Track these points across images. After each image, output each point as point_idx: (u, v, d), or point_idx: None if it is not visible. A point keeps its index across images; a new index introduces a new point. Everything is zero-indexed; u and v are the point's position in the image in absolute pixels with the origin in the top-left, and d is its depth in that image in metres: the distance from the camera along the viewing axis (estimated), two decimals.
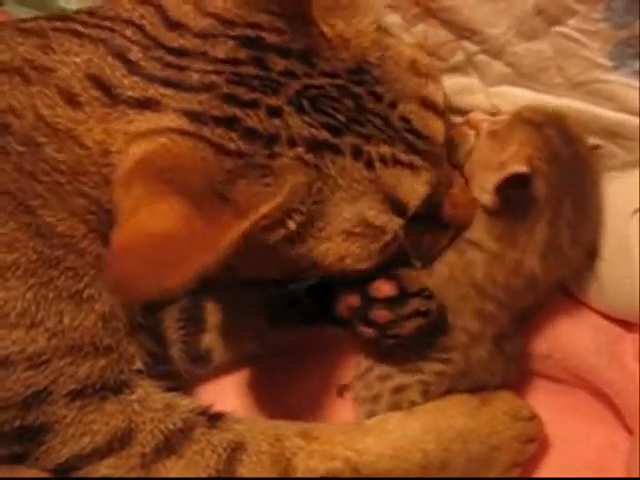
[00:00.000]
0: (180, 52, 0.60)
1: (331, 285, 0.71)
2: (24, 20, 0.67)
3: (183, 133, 0.57)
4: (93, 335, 0.64)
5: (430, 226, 0.70)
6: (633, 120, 0.75)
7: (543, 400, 0.79)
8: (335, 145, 0.61)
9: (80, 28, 0.62)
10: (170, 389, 0.69)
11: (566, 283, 0.79)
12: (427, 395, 0.72)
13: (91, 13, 0.64)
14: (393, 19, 0.78)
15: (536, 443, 0.75)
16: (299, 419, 0.73)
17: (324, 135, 0.60)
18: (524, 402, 0.75)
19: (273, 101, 0.60)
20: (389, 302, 0.68)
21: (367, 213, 0.62)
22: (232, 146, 0.58)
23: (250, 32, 0.61)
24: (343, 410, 0.78)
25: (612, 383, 0.76)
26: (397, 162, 0.63)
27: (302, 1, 0.62)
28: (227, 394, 0.78)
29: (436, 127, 0.65)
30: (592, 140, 0.77)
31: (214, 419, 0.67)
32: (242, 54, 0.60)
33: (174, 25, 0.61)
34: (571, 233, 0.72)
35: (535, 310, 0.77)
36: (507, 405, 0.73)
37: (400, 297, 0.68)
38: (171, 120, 0.58)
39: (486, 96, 0.79)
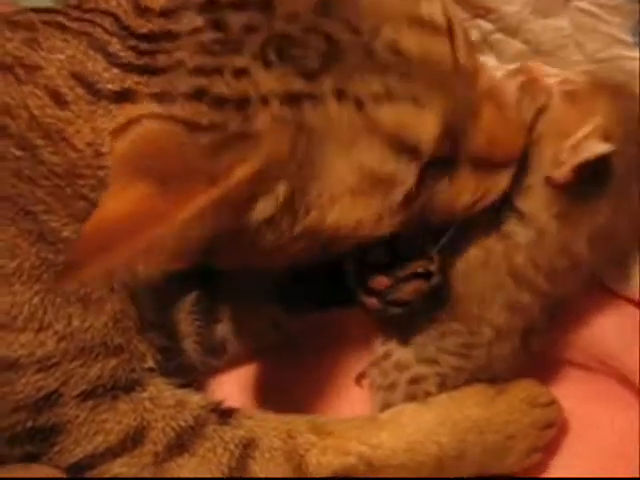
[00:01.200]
0: (149, 37, 0.57)
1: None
2: (17, 12, 0.66)
3: (153, 117, 0.55)
4: (104, 335, 0.63)
5: (466, 168, 0.61)
6: None
7: (566, 387, 0.78)
8: (312, 92, 0.54)
9: (65, 21, 0.60)
10: (182, 385, 0.68)
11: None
12: (443, 387, 0.71)
13: (77, 5, 0.62)
14: None
15: (555, 428, 0.73)
16: (310, 412, 0.73)
17: (298, 84, 0.54)
18: (542, 388, 0.73)
19: (237, 61, 0.55)
20: (386, 267, 0.66)
21: (369, 161, 0.55)
22: (203, 120, 0.54)
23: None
24: (356, 402, 0.77)
25: (637, 370, 0.74)
26: (392, 97, 0.54)
27: None
28: (237, 388, 0.78)
29: (437, 48, 0.56)
30: None
31: (225, 415, 0.67)
32: (200, 21, 0.56)
33: (142, 10, 0.58)
34: (630, 221, 0.69)
35: (568, 303, 0.74)
36: (524, 392, 0.72)
37: (396, 261, 0.66)
38: (143, 107, 0.56)
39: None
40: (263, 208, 0.55)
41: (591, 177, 0.65)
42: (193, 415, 0.65)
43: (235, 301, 0.77)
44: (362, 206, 0.57)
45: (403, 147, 0.56)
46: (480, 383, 0.72)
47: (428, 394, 0.70)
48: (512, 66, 0.72)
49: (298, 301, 0.77)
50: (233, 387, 0.77)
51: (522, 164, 0.66)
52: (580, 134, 0.63)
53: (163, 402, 0.65)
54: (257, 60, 0.54)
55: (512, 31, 0.73)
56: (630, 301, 0.77)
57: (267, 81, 0.54)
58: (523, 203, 0.68)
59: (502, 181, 0.64)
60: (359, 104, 0.54)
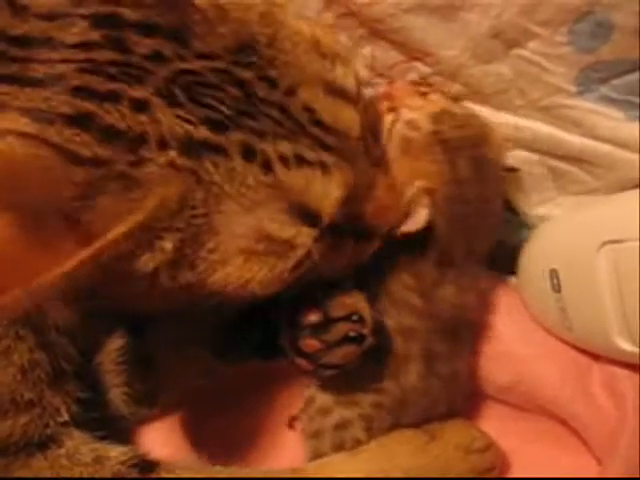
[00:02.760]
0: (24, 41, 0.49)
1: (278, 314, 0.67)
2: None
3: (22, 135, 0.46)
4: (13, 391, 0.60)
5: (350, 235, 0.60)
6: (600, 146, 0.69)
7: (508, 427, 0.77)
8: (218, 144, 0.49)
9: None
10: (103, 437, 0.65)
11: (532, 313, 0.75)
12: (371, 431, 0.69)
13: None
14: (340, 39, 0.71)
15: (496, 471, 0.73)
16: (244, 458, 0.73)
17: (203, 132, 0.49)
18: (478, 432, 0.72)
19: (138, 92, 0.48)
20: (316, 329, 0.64)
21: (269, 225, 0.51)
22: (85, 151, 0.47)
23: (104, 8, 0.49)
24: (291, 447, 0.75)
25: (578, 417, 0.74)
26: (302, 161, 0.51)
27: None
28: (168, 435, 0.75)
29: (348, 117, 0.54)
30: (559, 165, 0.72)
31: (147, 469, 0.64)
32: (96, 35, 0.48)
33: (19, 9, 0.50)
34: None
35: (470, 330, 0.73)
36: (459, 438, 0.70)
37: (326, 323, 0.64)
38: (11, 120, 0.47)
39: None
40: (145, 261, 0.50)
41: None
42: (113, 471, 0.63)
43: (167, 348, 0.74)
44: (254, 266, 0.53)
45: (305, 214, 0.52)
46: (411, 429, 0.70)
47: (357, 441, 0.69)
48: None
49: (232, 350, 0.74)
50: (164, 434, 0.75)
51: None
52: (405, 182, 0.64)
53: (81, 458, 0.63)
54: (161, 96, 0.48)
55: (450, 74, 0.70)
56: (572, 345, 0.75)
57: (169, 122, 0.48)
58: None
59: (375, 245, 0.63)
60: (267, 165, 0.50)
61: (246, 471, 0.68)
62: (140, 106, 0.48)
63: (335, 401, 0.70)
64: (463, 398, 0.74)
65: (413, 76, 0.71)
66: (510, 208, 0.77)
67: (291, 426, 0.75)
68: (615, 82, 0.66)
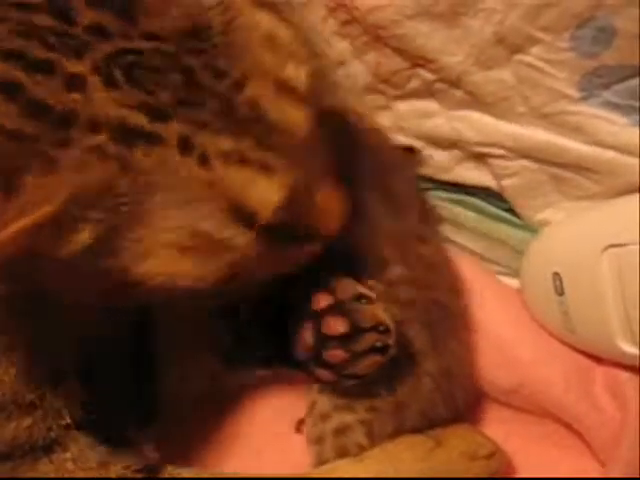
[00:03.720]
0: None
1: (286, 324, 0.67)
2: None
3: None
4: (15, 392, 0.59)
5: (289, 238, 0.56)
6: (602, 152, 0.69)
7: (511, 430, 0.77)
8: (153, 132, 0.46)
9: None
10: (107, 440, 0.65)
11: (535, 316, 0.76)
12: (373, 437, 0.69)
13: None
14: (342, 46, 0.72)
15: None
16: (248, 462, 0.73)
17: (139, 118, 0.45)
18: (483, 438, 0.72)
19: (74, 67, 0.45)
20: (342, 340, 0.64)
21: (202, 223, 0.48)
22: (9, 123, 0.44)
23: None
24: (297, 451, 0.75)
25: (582, 419, 0.74)
26: (243, 160, 0.48)
27: None
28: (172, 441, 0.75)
29: (295, 116, 0.51)
30: (559, 172, 0.72)
31: (152, 472, 0.64)
32: None
33: None
34: None
35: (448, 318, 0.73)
36: (464, 444, 0.71)
37: (354, 334, 0.64)
38: None
39: (447, 119, 0.74)
40: (59, 249, 0.46)
41: None
42: (118, 475, 0.63)
43: (171, 356, 0.73)
44: (182, 262, 0.49)
45: (243, 215, 0.49)
46: (416, 434, 0.70)
47: (360, 447, 0.69)
48: None
49: (238, 357, 0.74)
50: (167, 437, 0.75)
51: None
52: None
53: (86, 463, 0.63)
54: (98, 74, 0.45)
55: (454, 82, 0.70)
56: (575, 348, 0.76)
57: (103, 103, 0.45)
58: None
59: (316, 248, 0.60)
60: (204, 160, 0.47)
61: (252, 475, 0.68)
62: (74, 82, 0.45)
63: (334, 406, 0.70)
64: (464, 399, 0.74)
65: (417, 83, 0.71)
66: (512, 211, 0.77)
67: (299, 430, 0.75)
68: (617, 87, 0.66)
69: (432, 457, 0.69)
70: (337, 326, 0.64)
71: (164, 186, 0.46)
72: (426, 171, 0.77)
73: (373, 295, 0.66)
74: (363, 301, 0.65)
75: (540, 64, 0.67)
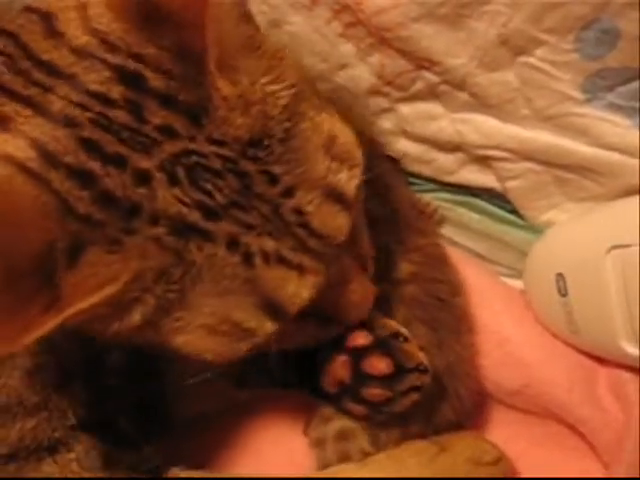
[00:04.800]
0: (50, 68, 0.49)
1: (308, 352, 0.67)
2: None
3: (27, 170, 0.47)
4: (20, 394, 0.60)
5: (312, 319, 0.59)
6: (606, 154, 0.69)
7: (516, 431, 0.77)
8: (206, 230, 0.49)
9: None
10: (112, 441, 0.65)
11: (539, 317, 0.76)
12: (378, 443, 0.69)
13: None
14: (347, 48, 0.72)
15: None
16: (253, 463, 0.73)
17: (195, 216, 0.49)
18: (489, 445, 0.72)
19: (143, 162, 0.48)
20: (384, 379, 0.64)
21: (235, 313, 0.52)
22: (81, 208, 0.47)
23: (132, 65, 0.49)
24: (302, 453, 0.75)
25: (586, 420, 0.74)
26: (282, 260, 0.51)
27: (199, 39, 0.48)
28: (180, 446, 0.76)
29: (338, 223, 0.53)
30: (563, 174, 0.72)
31: (157, 475, 0.65)
32: (116, 92, 0.48)
33: (54, 33, 0.50)
34: None
35: (449, 313, 0.73)
36: (469, 450, 0.70)
37: (396, 374, 0.64)
38: (18, 148, 0.47)
39: (450, 122, 0.74)
40: (112, 326, 0.51)
41: None
42: (123, 477, 0.63)
43: (180, 373, 0.73)
44: (211, 341, 0.53)
45: (273, 309, 0.53)
46: (421, 440, 0.70)
47: (364, 453, 0.69)
48: None
49: (252, 380, 0.74)
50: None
51: None
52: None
53: (90, 463, 0.63)
54: (163, 171, 0.48)
55: (458, 84, 0.70)
56: (579, 349, 0.76)
57: (165, 200, 0.48)
58: None
59: (339, 330, 0.64)
60: (247, 259, 0.50)
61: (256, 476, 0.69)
62: (142, 177, 0.48)
63: (335, 408, 0.69)
64: (469, 398, 0.73)
65: (421, 85, 0.72)
66: (516, 213, 0.77)
67: (306, 432, 0.75)
68: (621, 89, 0.67)
69: (437, 462, 0.69)
70: (381, 366, 0.64)
71: (209, 277, 0.50)
72: (430, 173, 0.77)
73: (407, 332, 0.66)
74: (401, 339, 0.65)
75: (544, 66, 0.67)
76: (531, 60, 0.68)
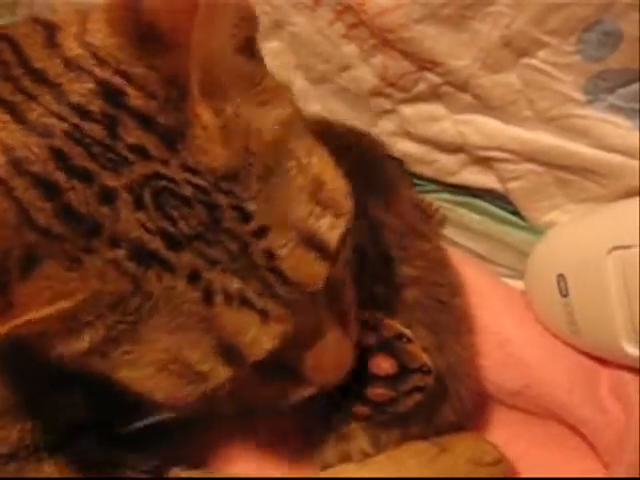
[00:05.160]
0: (39, 76, 0.48)
1: None
2: None
3: None
4: (13, 398, 0.60)
5: (279, 374, 0.55)
6: (608, 156, 0.70)
7: (516, 432, 0.77)
8: (167, 260, 0.46)
9: None
10: (112, 442, 0.65)
11: (540, 318, 0.76)
12: (378, 444, 0.69)
13: None
14: (349, 49, 0.72)
15: None
16: (251, 462, 0.72)
17: (157, 244, 0.46)
18: (489, 446, 0.72)
19: (110, 180, 0.46)
20: (388, 379, 0.64)
21: (189, 354, 0.48)
22: (41, 220, 0.45)
23: (117, 81, 0.47)
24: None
25: (587, 421, 0.74)
26: (245, 303, 0.48)
27: (185, 62, 0.46)
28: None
29: (312, 271, 0.49)
30: (565, 175, 0.73)
31: (158, 474, 0.65)
32: (95, 105, 0.47)
33: (53, 44, 0.49)
34: None
35: (449, 314, 0.73)
36: (469, 451, 0.71)
37: (400, 374, 0.64)
38: None
39: (453, 123, 0.75)
40: (58, 345, 0.48)
41: None
42: (123, 477, 0.63)
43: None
44: (161, 381, 0.50)
45: (230, 354, 0.49)
46: (421, 441, 0.70)
47: (365, 454, 0.69)
48: None
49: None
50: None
51: None
52: None
53: (91, 466, 0.63)
54: (130, 192, 0.46)
55: (461, 85, 0.71)
56: (580, 350, 0.76)
57: (127, 222, 0.46)
58: None
59: (310, 392, 0.59)
60: (208, 296, 0.47)
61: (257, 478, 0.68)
62: (107, 196, 0.46)
63: (333, 409, 0.69)
64: (470, 399, 0.73)
65: (423, 86, 0.72)
66: (518, 213, 0.77)
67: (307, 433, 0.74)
68: (622, 91, 0.67)
69: (437, 463, 0.69)
70: (386, 367, 0.64)
71: (165, 311, 0.47)
72: (432, 174, 0.77)
73: (411, 334, 0.65)
74: (404, 340, 0.65)
75: (546, 67, 0.68)
76: (533, 62, 0.68)
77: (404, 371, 0.64)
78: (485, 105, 0.71)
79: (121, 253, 0.45)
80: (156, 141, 0.46)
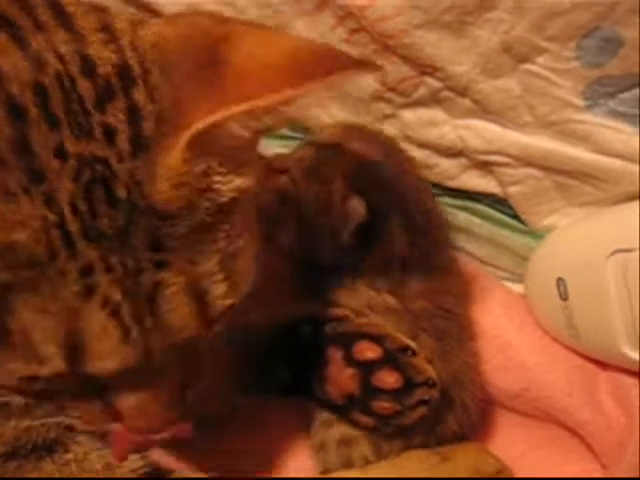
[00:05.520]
0: (59, 13, 0.49)
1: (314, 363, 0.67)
2: None
3: None
4: (6, 395, 0.58)
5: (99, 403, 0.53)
6: (608, 161, 0.70)
7: (516, 434, 0.78)
8: (75, 245, 0.46)
9: None
10: None
11: (539, 321, 0.77)
12: (380, 453, 0.69)
13: None
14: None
15: None
16: (254, 466, 0.73)
17: (75, 225, 0.46)
18: (490, 456, 0.72)
19: (69, 142, 0.46)
20: (393, 393, 0.65)
21: (38, 334, 0.46)
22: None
23: (136, 68, 0.48)
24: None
25: (586, 424, 0.75)
26: (116, 315, 0.47)
27: (203, 105, 0.47)
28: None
29: (183, 322, 0.50)
30: (565, 180, 0.73)
31: (159, 477, 0.64)
32: (105, 72, 0.47)
33: (98, 8, 0.51)
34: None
35: (454, 322, 0.73)
36: (471, 460, 0.71)
37: (405, 388, 0.65)
38: None
39: (453, 128, 0.75)
40: None
41: None
42: (124, 477, 0.63)
43: None
44: (2, 353, 0.48)
45: (73, 353, 0.47)
46: (423, 450, 0.70)
47: (366, 460, 0.69)
48: None
49: (256, 388, 0.73)
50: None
51: None
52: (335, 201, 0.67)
53: (90, 465, 0.63)
54: (77, 162, 0.45)
55: (460, 91, 0.71)
56: (579, 353, 0.77)
57: (64, 190, 0.45)
58: None
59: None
60: (88, 293, 0.47)
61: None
62: (61, 153, 0.46)
63: (335, 415, 0.70)
64: (475, 408, 0.73)
65: (423, 91, 0.72)
66: (518, 217, 0.78)
67: (309, 436, 0.74)
68: (622, 96, 0.68)
69: (439, 471, 0.69)
70: (391, 381, 0.64)
71: (44, 291, 0.46)
72: (432, 178, 0.77)
73: (416, 346, 0.66)
74: (409, 353, 0.65)
75: (546, 73, 0.68)
76: (533, 67, 0.68)
77: (409, 385, 0.64)
78: (485, 110, 0.71)
79: (52, 218, 0.45)
80: (128, 137, 0.47)
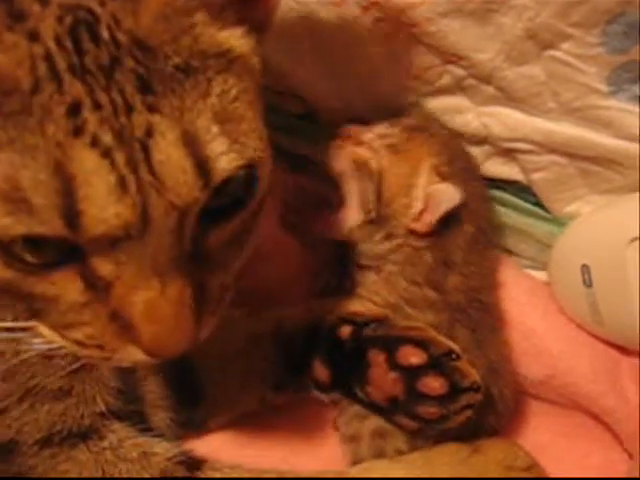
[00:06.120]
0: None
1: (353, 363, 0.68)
2: None
3: None
4: (42, 378, 0.60)
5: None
6: (631, 146, 0.70)
7: (540, 422, 0.79)
8: (61, 80, 0.44)
9: None
10: (145, 430, 0.65)
11: (563, 308, 0.77)
12: (414, 444, 0.70)
13: None
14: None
15: None
16: (285, 455, 0.73)
17: (61, 61, 0.44)
18: (521, 451, 0.73)
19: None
20: (439, 398, 0.65)
21: (26, 181, 0.44)
22: None
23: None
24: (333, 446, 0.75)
25: (610, 410, 0.75)
26: (107, 156, 0.44)
27: None
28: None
29: (178, 180, 0.46)
30: (588, 166, 0.73)
31: (193, 467, 0.64)
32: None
33: None
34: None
35: (487, 313, 0.74)
36: (501, 454, 0.71)
37: (451, 393, 0.65)
38: None
39: (476, 115, 0.75)
40: None
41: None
42: (160, 468, 0.63)
43: (219, 380, 0.72)
44: None
45: (68, 210, 0.45)
46: (455, 442, 0.71)
47: (399, 451, 0.69)
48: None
49: (292, 384, 0.74)
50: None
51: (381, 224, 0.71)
52: (421, 183, 0.70)
53: (126, 454, 0.63)
54: (59, 8, 0.45)
55: (485, 77, 0.71)
56: (603, 339, 0.77)
57: (48, 28, 0.45)
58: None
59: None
60: (77, 132, 0.44)
61: (290, 473, 0.69)
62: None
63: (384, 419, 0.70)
64: (512, 403, 0.75)
65: (448, 79, 0.73)
66: (541, 205, 0.78)
67: (336, 427, 0.75)
68: None
69: (469, 464, 0.70)
70: (437, 387, 0.64)
71: (31, 124, 0.44)
72: None
73: (459, 350, 0.66)
74: (454, 356, 0.65)
75: (570, 59, 0.68)
76: (557, 54, 0.69)
77: (455, 390, 0.64)
78: (509, 97, 0.71)
79: (38, 50, 0.44)
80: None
